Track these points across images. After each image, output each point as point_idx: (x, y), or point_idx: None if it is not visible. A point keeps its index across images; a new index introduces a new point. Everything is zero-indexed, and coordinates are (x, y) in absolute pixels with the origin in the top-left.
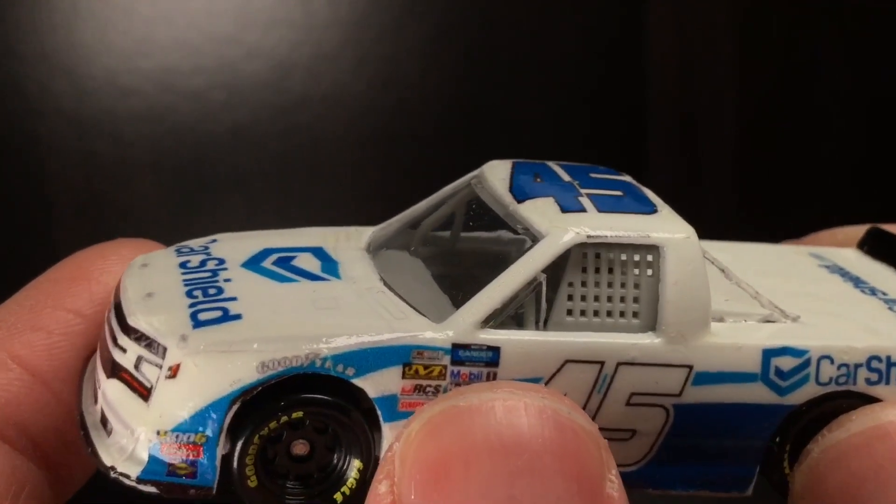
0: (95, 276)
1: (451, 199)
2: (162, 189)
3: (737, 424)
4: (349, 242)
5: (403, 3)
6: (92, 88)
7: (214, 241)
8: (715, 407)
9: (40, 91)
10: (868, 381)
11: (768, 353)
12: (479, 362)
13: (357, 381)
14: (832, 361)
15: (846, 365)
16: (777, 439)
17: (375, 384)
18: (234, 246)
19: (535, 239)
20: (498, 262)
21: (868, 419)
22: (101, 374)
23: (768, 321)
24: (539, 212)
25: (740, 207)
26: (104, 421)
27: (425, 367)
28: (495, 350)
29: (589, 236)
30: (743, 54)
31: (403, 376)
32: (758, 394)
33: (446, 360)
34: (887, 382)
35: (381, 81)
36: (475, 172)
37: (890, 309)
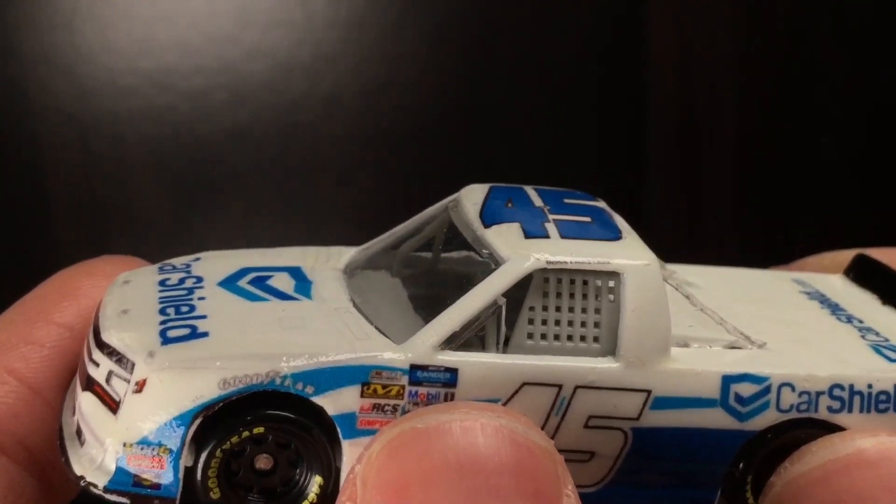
0: (83, 292)
1: (431, 223)
2: (162, 189)
3: (696, 449)
4: (328, 263)
5: (403, 3)
6: (92, 88)
7: (198, 259)
8: (674, 431)
9: (40, 91)
10: (830, 409)
11: (728, 379)
12: (436, 383)
13: (316, 399)
14: (793, 389)
15: (807, 392)
16: (739, 466)
17: (334, 402)
18: (214, 264)
19: (498, 263)
20: (470, 284)
21: (827, 452)
22: (77, 387)
23: (733, 347)
24: (503, 237)
25: (740, 207)
26: (79, 432)
27: (384, 387)
28: (453, 371)
29: (549, 262)
30: (743, 54)
31: (362, 395)
32: (717, 419)
33: (404, 380)
34: (850, 411)
35: (381, 82)
36: (453, 196)
37: (863, 337)
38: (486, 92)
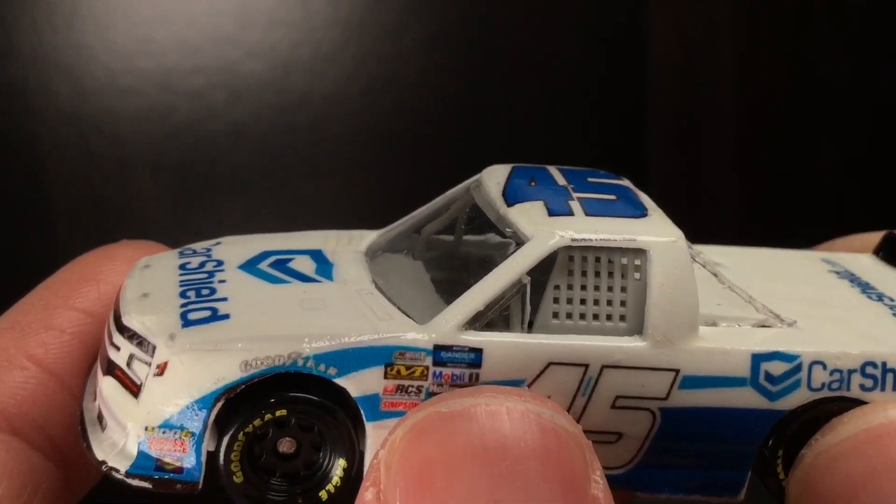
0: (104, 277)
1: (454, 204)
2: (162, 189)
3: (726, 429)
4: (349, 245)
5: (403, 3)
6: (92, 88)
7: (219, 243)
8: (703, 411)
9: (40, 91)
10: (862, 388)
11: (758, 358)
12: (461, 363)
13: (339, 381)
14: (825, 367)
15: (839, 371)
16: (770, 444)
17: (358, 384)
18: (235, 248)
19: (521, 242)
20: (494, 265)
21: (859, 422)
22: (99, 372)
23: (763, 325)
24: (527, 215)
25: (740, 207)
26: (100, 417)
27: (407, 368)
28: (478, 352)
29: (574, 239)
30: (743, 54)
31: (385, 376)
32: (747, 398)
33: (428, 361)
34: (882, 389)
35: (381, 81)
36: (476, 177)
37: (894, 315)
38: (486, 92)
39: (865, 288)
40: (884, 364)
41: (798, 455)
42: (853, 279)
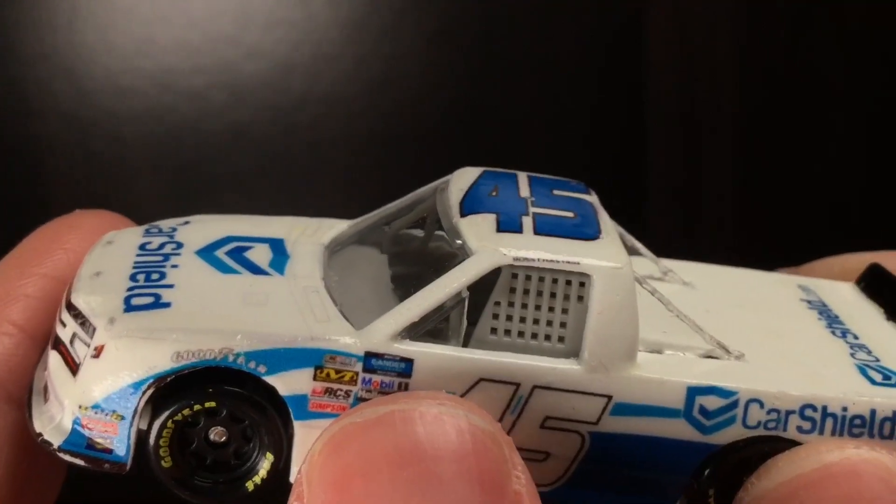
0: (71, 246)
1: (426, 201)
2: (162, 189)
3: (656, 457)
4: (314, 236)
5: (403, 3)
6: (92, 88)
7: (187, 222)
8: (634, 438)
9: (40, 91)
10: (800, 429)
11: (693, 391)
12: (391, 372)
13: (268, 379)
14: (762, 405)
15: (777, 410)
16: (701, 477)
17: (286, 383)
18: (199, 230)
19: (467, 255)
20: (442, 272)
21: (794, 467)
22: (49, 344)
23: (709, 356)
24: (475, 228)
25: (740, 208)
26: (45, 388)
27: (337, 372)
28: (409, 362)
29: (515, 258)
30: (743, 54)
31: (315, 378)
32: (679, 430)
33: (359, 366)
34: (821, 432)
35: (380, 81)
36: (446, 178)
37: (852, 355)
38: (486, 92)
39: (832, 322)
40: (824, 408)
41: (735, 498)
42: (822, 311)
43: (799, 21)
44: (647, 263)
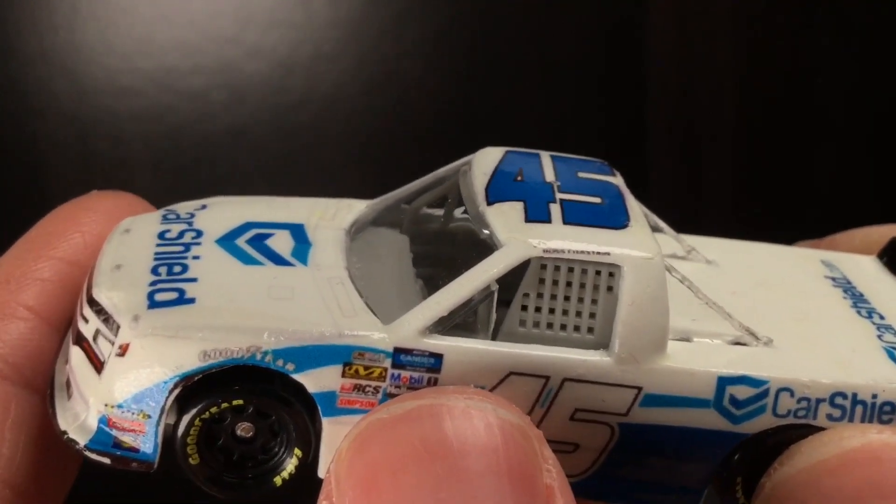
0: (87, 228)
1: (447, 180)
2: (162, 189)
3: (686, 448)
4: (334, 220)
5: (403, 3)
6: (92, 88)
7: (204, 207)
8: (663, 429)
9: (40, 91)
10: (830, 417)
11: (724, 381)
12: (420, 367)
13: (297, 377)
14: (792, 394)
15: (807, 399)
16: (730, 466)
17: (315, 380)
18: (218, 215)
19: (496, 246)
20: (468, 261)
21: (816, 453)
22: (70, 339)
23: (738, 343)
24: (503, 218)
25: (740, 209)
26: (68, 384)
27: (366, 368)
28: (438, 357)
29: (545, 250)
30: (743, 54)
31: (343, 375)
32: (709, 419)
33: (387, 362)
34: (850, 420)
35: (381, 81)
36: (468, 158)
37: (879, 337)
38: (487, 91)
39: (858, 301)
40: (854, 395)
41: (759, 483)
42: (847, 289)
43: (799, 24)
44: (669, 241)
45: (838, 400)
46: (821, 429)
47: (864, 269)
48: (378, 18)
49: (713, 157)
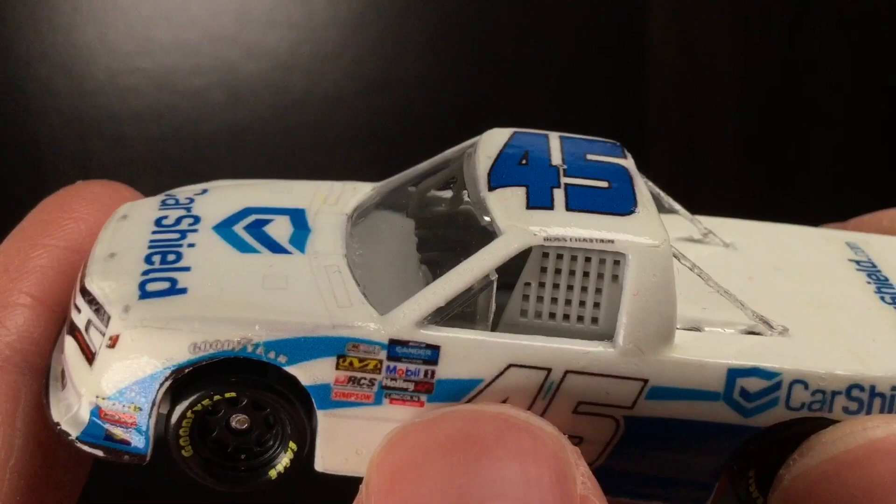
0: (77, 215)
1: (454, 162)
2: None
3: (694, 441)
4: (336, 205)
5: (403, 3)
6: (92, 88)
7: (205, 191)
8: (671, 422)
9: (40, 91)
10: (846, 410)
11: (734, 373)
12: (416, 359)
13: (289, 369)
14: (806, 387)
15: (822, 391)
16: (741, 459)
17: (308, 372)
18: (218, 199)
19: (496, 233)
20: (484, 236)
21: (839, 444)
22: (65, 328)
23: (751, 332)
24: (504, 204)
25: (739, 207)
26: (63, 374)
27: (360, 360)
28: (435, 349)
29: (546, 238)
30: (743, 53)
31: (337, 367)
32: (719, 413)
33: (382, 354)
34: (869, 412)
35: (380, 80)
36: (474, 140)
37: None
38: (487, 92)
39: (882, 286)
40: (872, 387)
41: (777, 476)
42: (871, 273)
43: (797, 21)
44: (685, 224)
45: (855, 392)
46: (837, 422)
47: (893, 252)
48: (378, 18)
49: (713, 157)
